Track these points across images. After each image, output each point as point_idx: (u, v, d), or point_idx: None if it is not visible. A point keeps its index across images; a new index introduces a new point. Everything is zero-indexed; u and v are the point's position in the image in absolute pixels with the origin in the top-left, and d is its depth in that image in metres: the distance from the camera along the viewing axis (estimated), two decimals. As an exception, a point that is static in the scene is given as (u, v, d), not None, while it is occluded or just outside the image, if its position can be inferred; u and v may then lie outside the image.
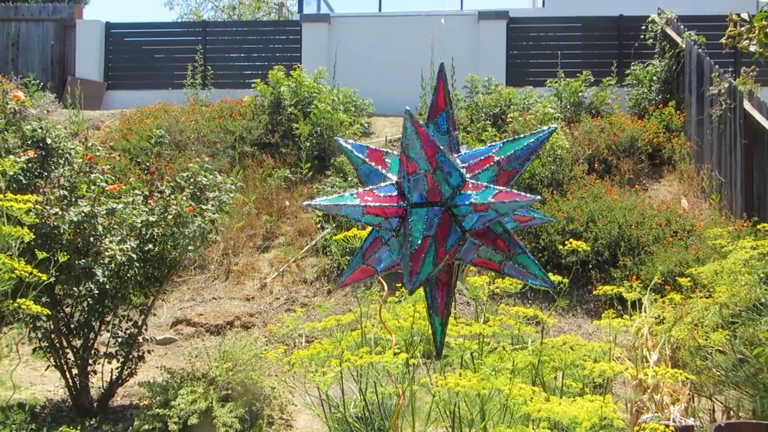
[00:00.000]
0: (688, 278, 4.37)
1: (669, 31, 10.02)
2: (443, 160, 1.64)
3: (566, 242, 3.48)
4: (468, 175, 1.74)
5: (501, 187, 1.70)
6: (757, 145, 7.26)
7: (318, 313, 6.16)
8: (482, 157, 1.81)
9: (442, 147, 1.67)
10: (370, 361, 2.71)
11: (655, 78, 10.08)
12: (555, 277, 3.11)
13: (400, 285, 3.36)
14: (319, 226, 7.94)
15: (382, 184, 1.73)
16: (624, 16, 11.65)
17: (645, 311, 4.35)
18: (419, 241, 1.63)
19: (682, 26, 9.74)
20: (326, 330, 3.20)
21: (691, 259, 6.10)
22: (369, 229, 1.78)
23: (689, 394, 3.84)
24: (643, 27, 10.48)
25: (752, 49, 2.79)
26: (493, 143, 1.86)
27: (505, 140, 1.84)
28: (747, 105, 7.39)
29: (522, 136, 1.84)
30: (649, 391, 3.55)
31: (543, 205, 7.43)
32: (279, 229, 8.15)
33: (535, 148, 1.81)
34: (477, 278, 3.24)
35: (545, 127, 1.88)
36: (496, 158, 1.79)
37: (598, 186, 7.80)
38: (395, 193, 1.71)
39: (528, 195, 1.69)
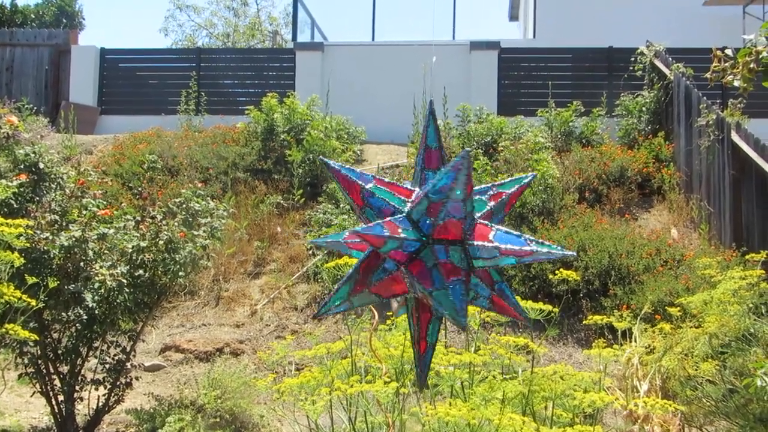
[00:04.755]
0: (678, 308, 4.39)
1: (657, 63, 10.18)
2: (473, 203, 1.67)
3: (557, 271, 3.49)
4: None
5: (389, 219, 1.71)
6: (745, 176, 7.34)
7: (308, 341, 6.13)
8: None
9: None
10: (360, 390, 2.70)
11: (644, 109, 10.21)
12: (546, 306, 3.12)
13: (390, 313, 3.36)
14: (310, 252, 7.93)
15: (398, 217, 1.71)
16: (613, 47, 11.84)
17: (635, 341, 4.35)
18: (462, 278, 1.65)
19: (670, 58, 9.90)
20: (316, 358, 3.18)
21: (681, 289, 6.12)
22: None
23: (680, 425, 3.83)
24: (632, 59, 10.65)
25: (736, 84, 2.85)
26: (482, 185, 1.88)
27: (491, 184, 1.86)
28: (735, 136, 7.49)
29: (506, 181, 1.87)
30: (639, 421, 3.54)
31: (534, 234, 7.46)
32: (270, 255, 8.13)
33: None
34: (468, 307, 3.24)
35: (528, 174, 1.88)
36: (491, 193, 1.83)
37: (589, 215, 7.85)
38: (411, 227, 1.68)
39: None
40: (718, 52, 2.97)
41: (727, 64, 2.88)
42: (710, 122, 7.98)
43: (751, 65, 2.72)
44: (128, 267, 4.52)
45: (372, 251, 1.70)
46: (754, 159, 7.10)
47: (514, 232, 1.77)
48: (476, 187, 1.83)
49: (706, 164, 8.10)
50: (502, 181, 1.89)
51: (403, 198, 1.75)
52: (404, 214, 1.69)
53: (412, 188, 1.78)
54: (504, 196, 1.85)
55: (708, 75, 3.01)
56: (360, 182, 1.73)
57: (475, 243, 1.70)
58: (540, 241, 1.74)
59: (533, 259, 1.74)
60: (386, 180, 1.79)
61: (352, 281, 1.72)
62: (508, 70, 12.34)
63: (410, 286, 1.70)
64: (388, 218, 1.68)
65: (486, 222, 1.77)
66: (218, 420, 4.38)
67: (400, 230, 1.65)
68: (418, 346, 1.80)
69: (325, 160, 1.74)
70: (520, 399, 2.89)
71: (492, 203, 1.82)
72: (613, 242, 7.04)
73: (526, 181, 1.89)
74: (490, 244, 1.70)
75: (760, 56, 2.69)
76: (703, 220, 8.02)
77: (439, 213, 1.65)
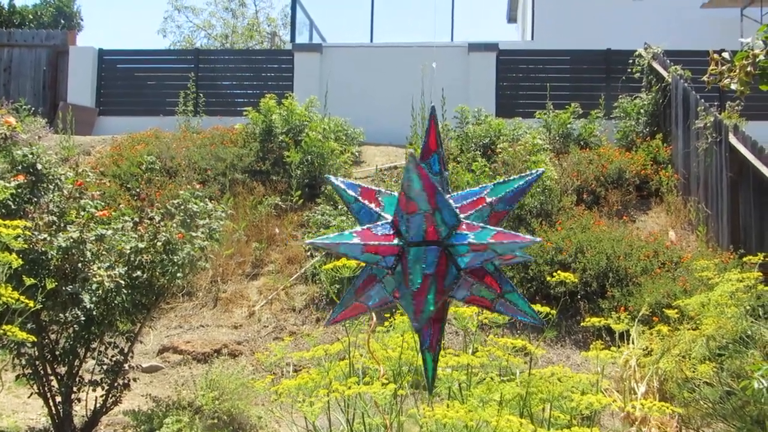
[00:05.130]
0: (676, 310, 4.39)
1: (655, 65, 10.20)
2: (442, 202, 1.67)
3: (555, 273, 3.50)
4: (462, 216, 1.76)
5: (498, 228, 1.74)
6: (742, 178, 7.35)
7: (306, 342, 6.13)
8: (474, 198, 1.83)
9: (440, 189, 1.69)
10: (358, 392, 2.70)
11: (642, 111, 10.23)
12: (543, 308, 3.13)
13: (388, 315, 3.37)
14: (308, 254, 7.93)
15: (379, 223, 1.73)
16: (611, 50, 11.85)
17: (633, 342, 4.36)
18: (420, 280, 1.65)
19: (668, 61, 9.92)
20: (314, 359, 3.18)
21: (678, 291, 6.13)
22: (357, 263, 1.79)
23: (677, 427, 3.84)
24: (631, 61, 10.66)
25: (733, 87, 2.85)
26: (484, 185, 1.90)
27: (495, 182, 1.88)
28: (732, 139, 7.50)
29: (512, 178, 1.88)
30: (637, 423, 3.54)
31: (532, 236, 7.45)
32: (268, 256, 8.13)
33: (524, 190, 1.86)
34: (466, 309, 3.25)
35: (534, 171, 1.92)
36: (488, 199, 1.82)
37: (587, 217, 7.85)
38: (391, 232, 1.70)
39: (527, 236, 1.73)
40: (716, 56, 2.98)
41: (724, 67, 2.89)
42: (708, 125, 8.00)
43: (748, 68, 2.73)
44: (126, 268, 4.52)
45: (441, 257, 1.70)
46: (752, 161, 7.11)
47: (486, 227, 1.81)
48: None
49: (704, 166, 8.12)
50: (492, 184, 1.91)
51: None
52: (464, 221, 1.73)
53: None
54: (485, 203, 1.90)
55: (705, 78, 3.02)
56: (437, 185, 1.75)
57: (456, 243, 1.76)
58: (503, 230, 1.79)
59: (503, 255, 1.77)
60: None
61: (433, 289, 1.71)
62: (506, 71, 12.35)
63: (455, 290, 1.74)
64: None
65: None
66: (216, 421, 4.38)
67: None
68: (435, 351, 1.82)
69: (412, 157, 1.71)
70: (517, 401, 2.90)
71: (472, 211, 1.87)
72: (611, 244, 7.05)
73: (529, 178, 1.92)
74: (468, 242, 1.76)
75: (757, 59, 2.70)
76: (700, 222, 8.03)
77: (500, 221, 1.71)
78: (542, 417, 3.01)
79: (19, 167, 4.61)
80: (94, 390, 4.68)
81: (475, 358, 2.95)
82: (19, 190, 4.45)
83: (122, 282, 4.38)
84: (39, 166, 4.63)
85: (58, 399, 4.58)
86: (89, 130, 12.40)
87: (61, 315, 4.44)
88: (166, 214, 4.90)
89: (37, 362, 4.49)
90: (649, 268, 6.76)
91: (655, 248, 7.10)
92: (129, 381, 4.87)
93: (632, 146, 9.83)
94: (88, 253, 4.35)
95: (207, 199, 5.43)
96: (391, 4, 17.88)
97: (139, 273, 4.59)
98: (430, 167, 1.81)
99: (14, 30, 14.83)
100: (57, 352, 4.58)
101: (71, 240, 4.24)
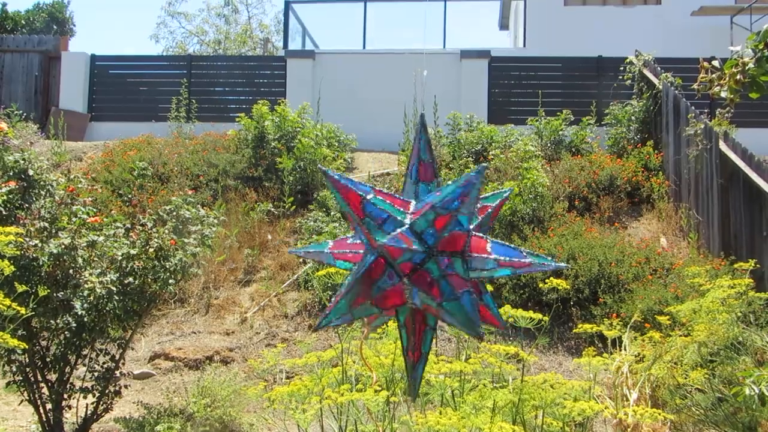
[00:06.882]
0: (668, 316, 4.41)
1: (646, 72, 10.27)
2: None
3: (547, 280, 3.51)
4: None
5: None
6: (733, 184, 7.40)
7: (299, 349, 6.11)
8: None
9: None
10: (350, 399, 2.70)
11: (633, 118, 10.28)
12: (536, 315, 3.13)
13: (381, 321, 3.36)
14: (301, 260, 7.92)
15: (397, 231, 1.69)
16: (603, 57, 11.92)
17: (625, 349, 4.38)
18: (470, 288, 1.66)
19: (659, 68, 9.99)
20: (307, 366, 3.18)
21: (670, 298, 6.16)
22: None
23: (669, 433, 3.84)
24: (622, 68, 10.73)
25: (723, 95, 2.88)
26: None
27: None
28: (723, 146, 7.55)
29: (488, 195, 1.83)
30: (629, 430, 3.55)
31: (524, 242, 7.48)
32: (261, 263, 8.12)
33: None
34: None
35: (506, 189, 1.89)
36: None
37: (579, 223, 7.88)
38: (411, 238, 1.67)
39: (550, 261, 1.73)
40: (705, 63, 3.00)
41: (714, 75, 2.92)
42: (698, 131, 8.05)
43: (738, 76, 2.75)
44: (118, 274, 4.50)
45: (373, 263, 1.68)
46: (742, 168, 7.16)
47: (510, 245, 1.77)
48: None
49: (695, 173, 8.17)
50: (485, 195, 1.88)
51: (402, 209, 1.73)
52: (407, 226, 1.68)
53: (407, 200, 1.78)
54: (489, 209, 1.85)
55: (695, 86, 3.04)
56: (360, 192, 1.70)
57: (474, 255, 1.70)
58: (535, 253, 1.75)
59: (529, 271, 1.74)
60: (384, 191, 1.78)
61: (353, 294, 1.69)
62: (498, 78, 12.40)
63: (410, 297, 1.69)
64: (398, 230, 1.67)
65: (480, 234, 1.77)
66: (208, 428, 4.36)
67: (411, 241, 1.64)
68: (412, 357, 1.80)
69: (324, 169, 1.72)
70: (510, 408, 2.90)
71: (480, 216, 1.83)
72: (603, 251, 7.07)
73: (505, 194, 1.90)
74: (489, 256, 1.70)
75: (747, 67, 2.72)
76: (691, 228, 8.08)
77: (446, 225, 1.65)
78: (535, 424, 3.01)
79: (11, 173, 4.59)
80: (84, 397, 4.65)
81: (467, 365, 2.95)
82: (11, 196, 4.43)
83: (114, 288, 4.36)
84: (30, 172, 4.61)
85: (49, 406, 4.55)
86: (81, 135, 12.36)
87: (52, 321, 4.41)
88: (158, 221, 4.89)
89: (27, 369, 4.46)
90: (641, 275, 6.78)
91: (646, 255, 7.13)
92: (120, 388, 4.84)
93: (623, 153, 9.89)
94: (80, 260, 4.33)
95: (199, 206, 5.42)
96: (384, 11, 17.92)
97: (130, 279, 4.57)
98: (410, 175, 1.80)
99: (6, 35, 14.79)
100: (48, 359, 4.55)
101: (63, 246, 4.22)
